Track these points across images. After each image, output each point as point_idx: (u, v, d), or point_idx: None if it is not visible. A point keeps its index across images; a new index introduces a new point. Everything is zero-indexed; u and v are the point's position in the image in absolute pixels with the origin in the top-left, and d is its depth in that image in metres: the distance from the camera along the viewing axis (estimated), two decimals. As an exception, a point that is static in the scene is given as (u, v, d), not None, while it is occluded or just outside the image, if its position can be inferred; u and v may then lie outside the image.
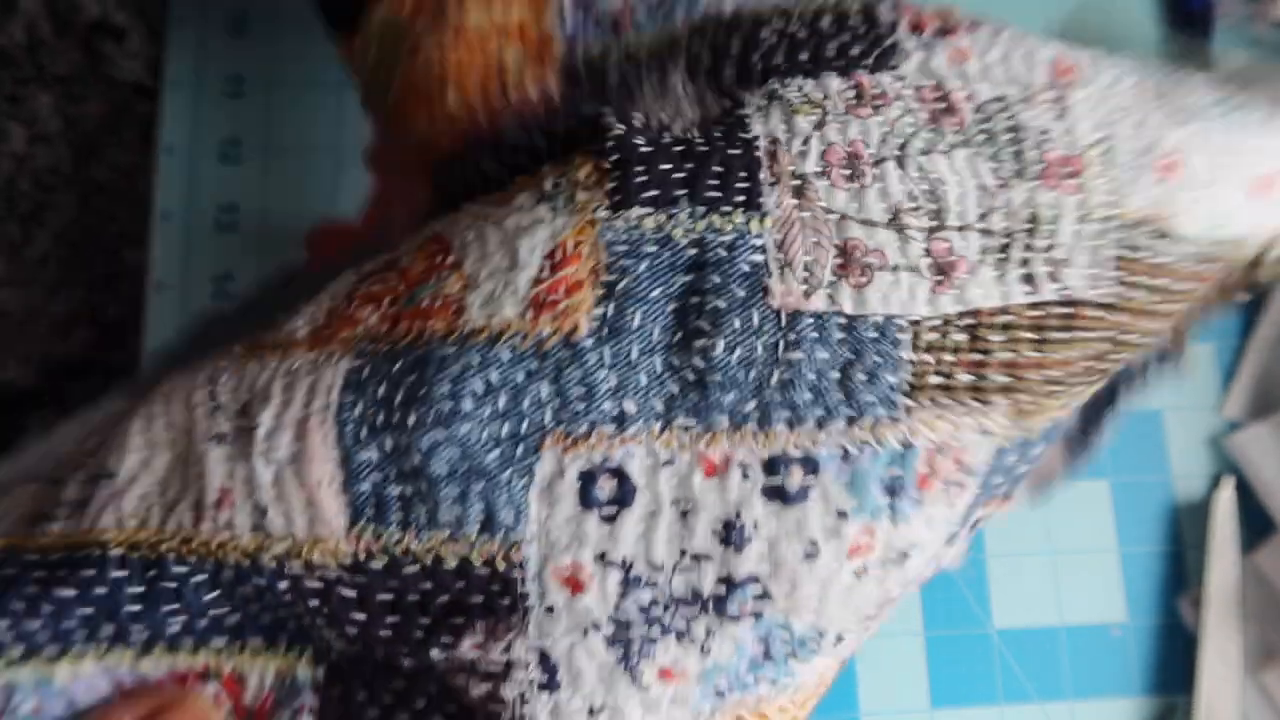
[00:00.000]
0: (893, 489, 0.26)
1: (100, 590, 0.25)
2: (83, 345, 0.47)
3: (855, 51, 0.28)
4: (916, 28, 0.28)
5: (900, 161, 0.26)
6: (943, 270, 0.26)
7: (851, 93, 0.27)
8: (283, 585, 0.25)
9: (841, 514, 0.25)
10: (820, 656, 0.27)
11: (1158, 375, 0.31)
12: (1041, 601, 0.43)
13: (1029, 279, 0.26)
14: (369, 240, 0.30)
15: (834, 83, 0.27)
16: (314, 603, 0.25)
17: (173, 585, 0.25)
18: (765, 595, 0.25)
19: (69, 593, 0.25)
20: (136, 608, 0.25)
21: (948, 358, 0.26)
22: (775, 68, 0.27)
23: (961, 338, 0.26)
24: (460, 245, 0.26)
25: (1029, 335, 0.26)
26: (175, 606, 0.25)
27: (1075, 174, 0.28)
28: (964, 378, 0.26)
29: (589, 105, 0.27)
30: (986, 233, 0.26)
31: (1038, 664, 0.43)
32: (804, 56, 0.27)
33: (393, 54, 0.29)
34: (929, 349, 0.26)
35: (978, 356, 0.26)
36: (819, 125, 0.26)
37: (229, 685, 0.26)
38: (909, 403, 0.26)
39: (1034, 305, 0.26)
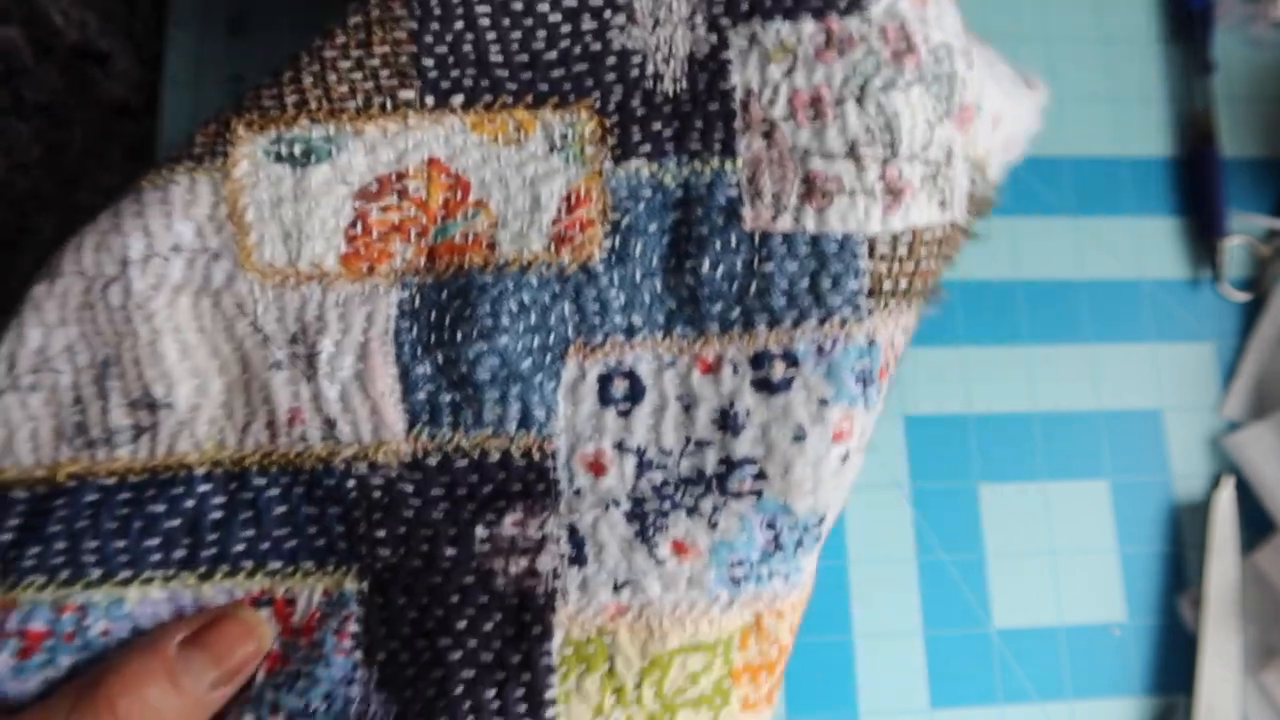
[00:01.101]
0: (864, 379, 0.30)
1: (189, 503, 0.29)
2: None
3: None
4: None
5: (860, 100, 0.31)
6: (894, 194, 0.31)
7: (821, 37, 0.31)
8: (350, 484, 0.29)
9: (823, 401, 0.30)
10: (818, 545, 0.31)
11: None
12: (1041, 601, 0.43)
13: (943, 204, 0.32)
14: None
15: (808, 26, 0.31)
16: (377, 495, 0.29)
17: (250, 497, 0.29)
18: (762, 475, 0.30)
19: (159, 508, 0.29)
20: (218, 515, 0.29)
21: (895, 267, 0.31)
22: (760, 2, 0.31)
23: (904, 251, 0.31)
24: (481, 186, 0.31)
25: (937, 249, 0.32)
26: (249, 516, 0.29)
27: (970, 120, 0.33)
28: (903, 284, 0.31)
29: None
30: (926, 163, 0.31)
31: (1038, 664, 0.43)
32: None
33: None
34: (882, 259, 0.31)
35: (912, 266, 0.31)
36: (789, 72, 0.31)
37: (279, 608, 0.29)
38: (870, 304, 0.31)
39: (943, 226, 0.32)
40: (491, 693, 0.28)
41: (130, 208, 0.30)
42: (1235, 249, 0.48)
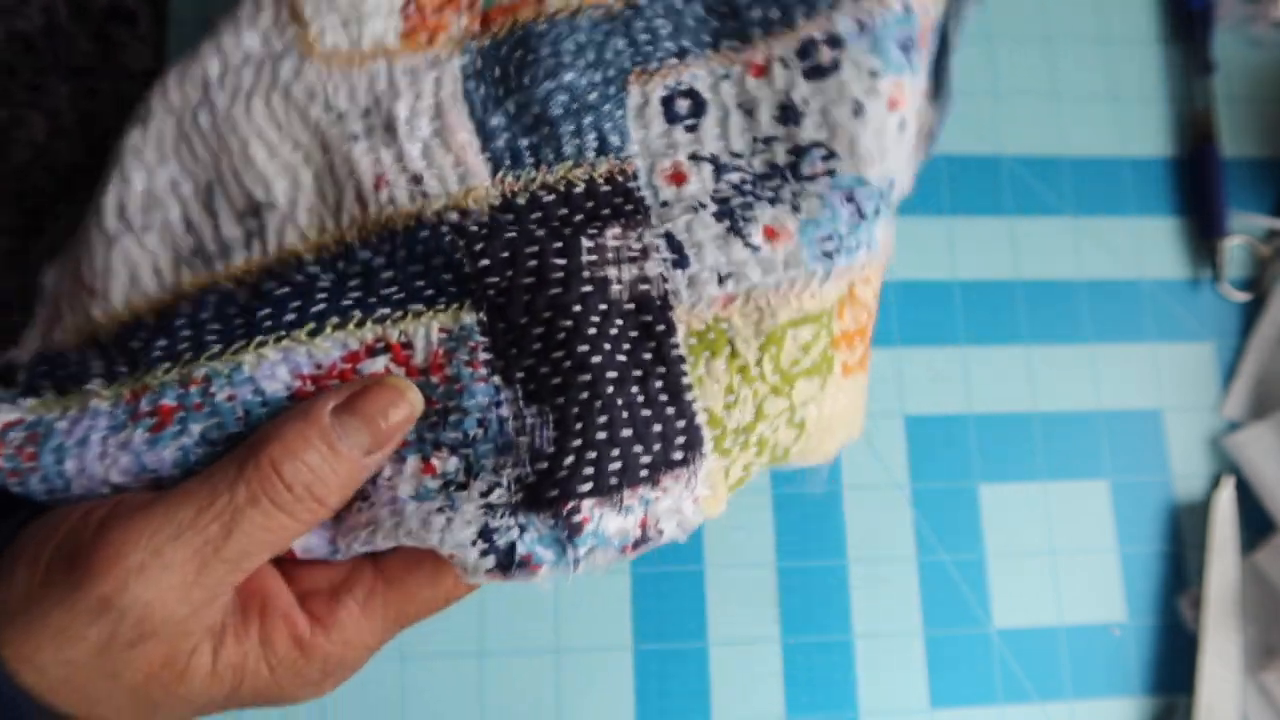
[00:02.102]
0: (906, 46, 0.32)
1: (300, 279, 0.31)
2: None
3: None
4: None
5: None
6: None
7: None
8: (444, 231, 0.30)
9: (873, 73, 0.31)
10: (892, 212, 0.33)
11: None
12: (1041, 601, 0.43)
13: None
14: None
15: None
16: (474, 230, 0.30)
17: (356, 269, 0.31)
18: (831, 155, 0.31)
19: (282, 290, 0.31)
20: (326, 286, 0.31)
21: None
22: None
23: None
24: None
25: None
26: (356, 282, 0.31)
27: None
28: None
29: None
30: None
31: (1038, 664, 0.43)
32: None
33: None
34: None
35: None
36: None
37: (396, 352, 0.30)
38: None
39: None
40: (636, 389, 0.29)
41: (206, 38, 0.33)
42: (1235, 249, 0.48)
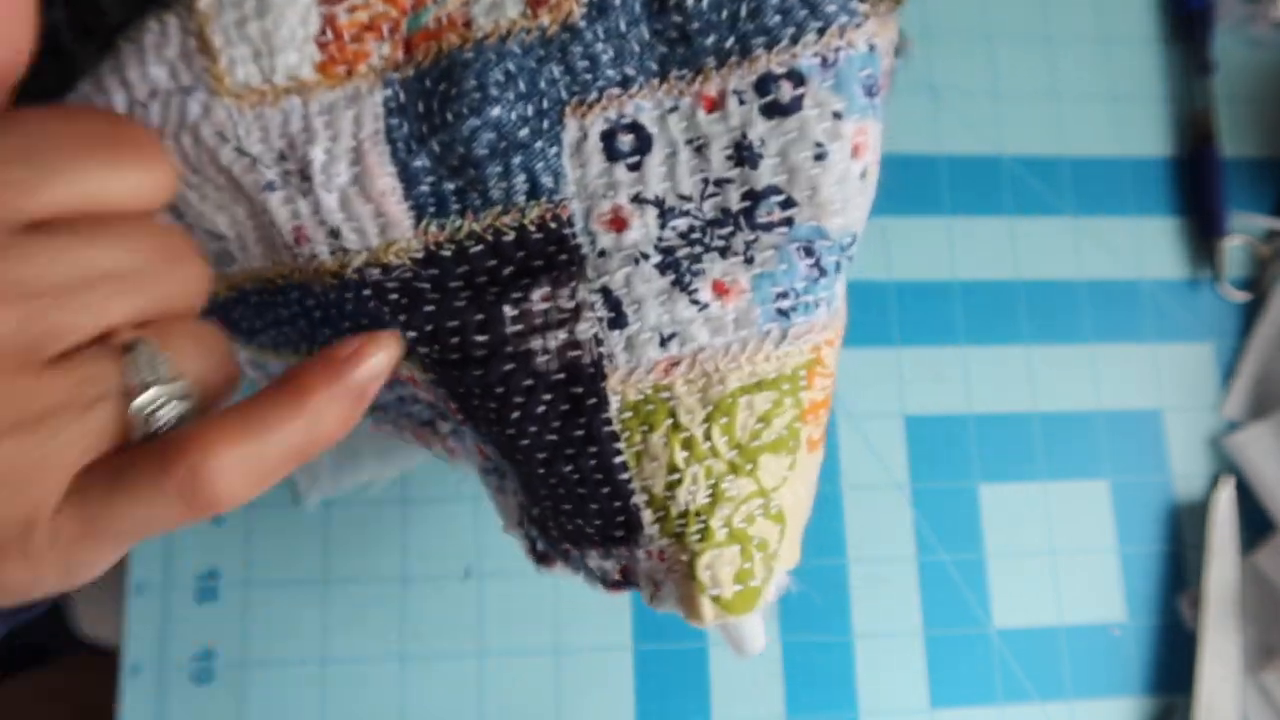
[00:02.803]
0: (870, 89, 0.29)
1: (280, 300, 0.30)
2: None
3: None
4: None
5: None
6: None
7: None
8: (366, 293, 0.28)
9: (837, 114, 0.28)
10: (849, 268, 0.30)
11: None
12: (1041, 601, 0.43)
13: None
14: None
15: None
16: (394, 297, 0.28)
17: (293, 312, 0.30)
18: (790, 203, 0.28)
19: (266, 302, 0.30)
20: (298, 314, 0.30)
21: None
22: None
23: None
24: None
25: None
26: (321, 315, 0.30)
27: None
28: None
29: None
30: None
31: (1038, 664, 0.43)
32: None
33: None
34: None
35: None
36: None
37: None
38: (864, 7, 0.29)
39: None
40: (569, 467, 0.28)
41: (108, 65, 0.30)
42: (1235, 249, 0.48)
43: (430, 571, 0.41)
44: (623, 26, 0.29)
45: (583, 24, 0.29)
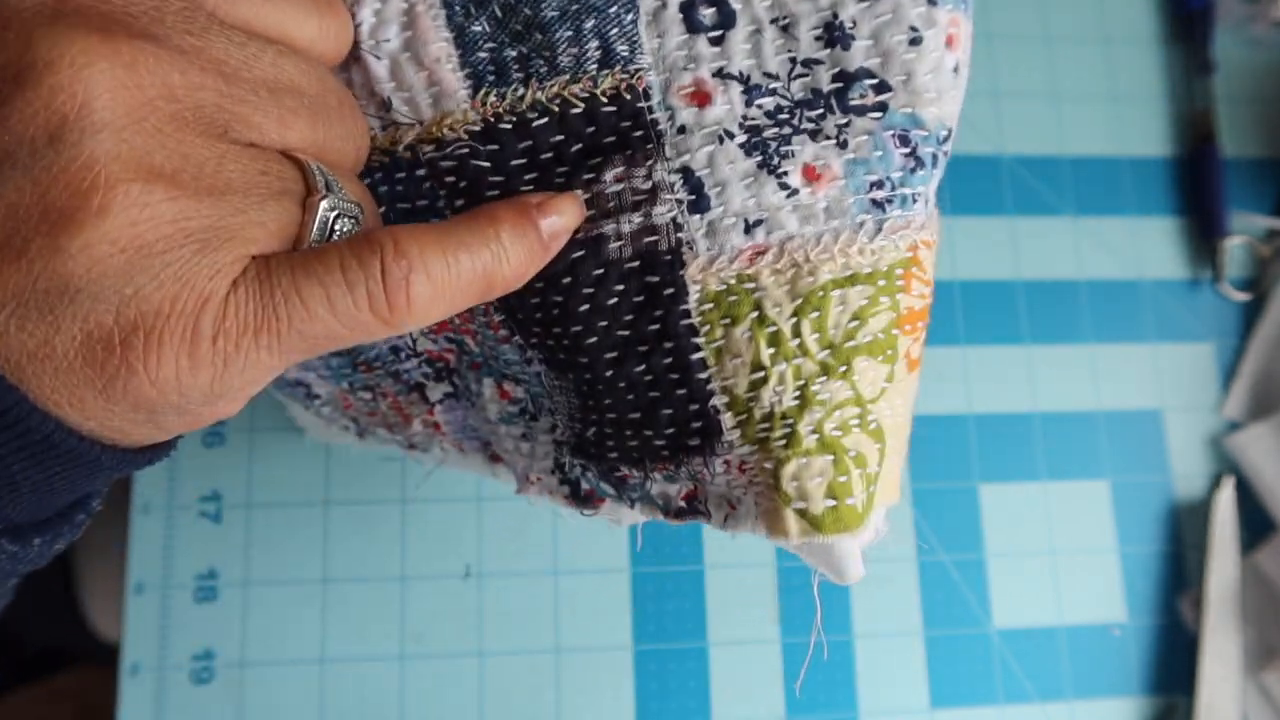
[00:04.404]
0: None
1: None
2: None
3: None
4: None
5: None
6: None
7: None
8: (421, 173, 0.26)
9: (931, 1, 0.26)
10: (944, 164, 0.28)
11: None
12: (1041, 601, 0.43)
13: None
14: None
15: None
16: (451, 179, 0.26)
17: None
18: (883, 87, 0.26)
19: None
20: None
21: None
22: None
23: None
24: None
25: None
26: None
27: None
28: None
29: None
30: None
31: (1038, 664, 0.43)
32: None
33: None
34: None
35: None
36: None
37: None
38: None
39: None
40: (640, 367, 0.26)
41: None
42: (1235, 249, 0.48)
43: (430, 571, 0.41)
44: None
45: None
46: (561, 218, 0.25)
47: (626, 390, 0.26)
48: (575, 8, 0.26)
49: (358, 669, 0.39)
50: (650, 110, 0.26)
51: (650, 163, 0.26)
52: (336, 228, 0.22)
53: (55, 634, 0.59)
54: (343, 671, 0.39)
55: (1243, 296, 0.47)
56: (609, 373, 0.26)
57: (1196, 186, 0.48)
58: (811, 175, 0.26)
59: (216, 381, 0.21)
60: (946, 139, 0.27)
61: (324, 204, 0.22)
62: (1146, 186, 0.48)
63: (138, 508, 0.40)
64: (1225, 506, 0.44)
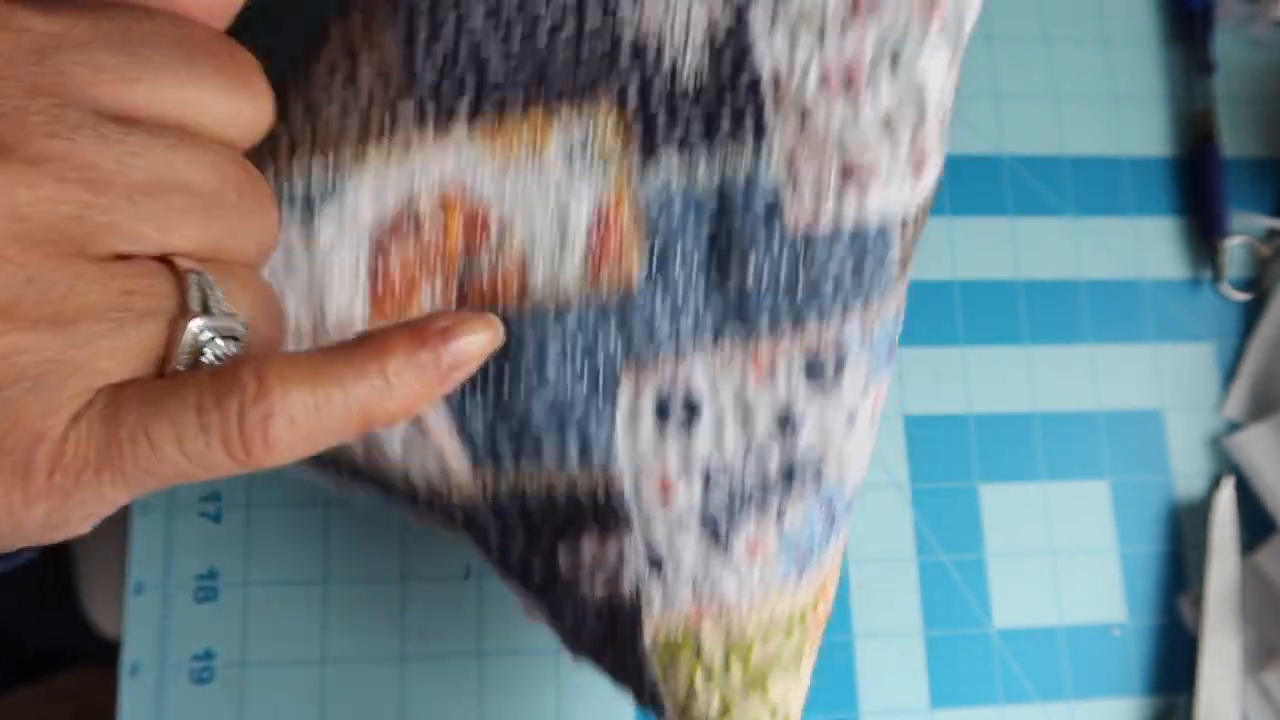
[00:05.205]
0: (890, 350, 0.31)
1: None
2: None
3: None
4: None
5: (893, 69, 0.29)
6: (919, 165, 0.30)
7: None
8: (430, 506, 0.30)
9: (868, 379, 0.30)
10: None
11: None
12: (1041, 601, 0.43)
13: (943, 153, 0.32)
14: None
15: None
16: (459, 516, 0.30)
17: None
18: (821, 464, 0.30)
19: None
20: None
21: (912, 234, 0.30)
22: None
23: (918, 215, 0.30)
24: (501, 213, 0.29)
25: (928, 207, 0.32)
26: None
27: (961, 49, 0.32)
28: (911, 251, 0.31)
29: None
30: (941, 121, 0.30)
31: (1038, 664, 0.43)
32: None
33: None
34: (905, 226, 0.30)
35: (915, 230, 0.31)
36: (819, 44, 0.29)
37: None
38: (900, 272, 0.30)
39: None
40: (607, 662, 0.30)
41: None
42: (1235, 249, 0.48)
43: (430, 571, 0.41)
44: (681, 288, 0.29)
45: (642, 285, 0.29)
46: (475, 339, 0.25)
47: (599, 665, 0.31)
48: (559, 409, 0.29)
49: (358, 669, 0.39)
50: (623, 500, 0.29)
51: (620, 539, 0.29)
52: (208, 351, 0.21)
53: (55, 634, 0.59)
54: (343, 671, 0.39)
55: (1243, 296, 0.47)
56: (585, 654, 0.31)
57: (1196, 186, 0.48)
58: (752, 549, 0.30)
59: (54, 514, 0.20)
60: (855, 496, 0.31)
61: (193, 325, 0.20)
62: (1146, 186, 0.48)
63: (137, 507, 0.40)
64: (1225, 506, 0.44)
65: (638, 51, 0.29)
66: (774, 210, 0.29)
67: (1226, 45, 0.50)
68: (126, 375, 0.20)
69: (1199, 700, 0.42)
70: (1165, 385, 0.46)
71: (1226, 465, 0.46)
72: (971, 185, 0.47)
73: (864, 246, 0.29)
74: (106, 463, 0.19)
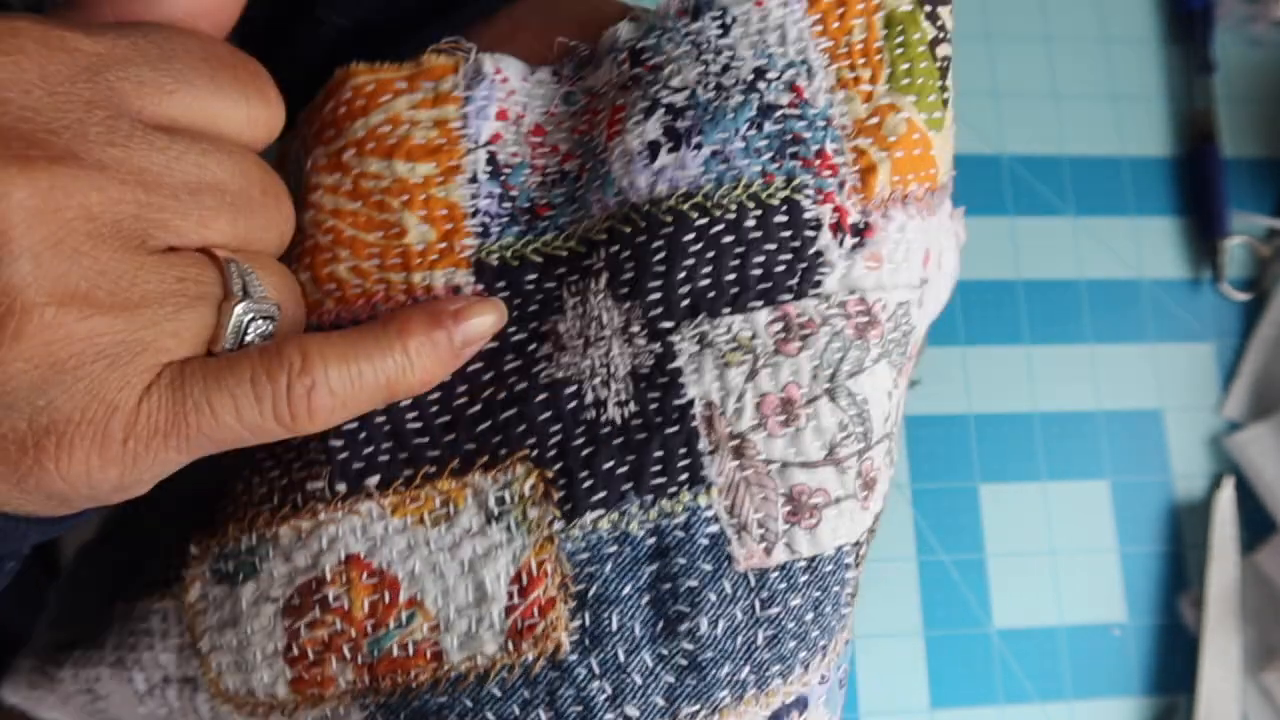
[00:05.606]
0: (842, 681, 0.29)
1: None
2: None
3: (780, 269, 0.27)
4: (837, 228, 0.28)
5: (832, 394, 0.27)
6: (868, 486, 0.28)
7: (779, 326, 0.27)
8: None
9: (829, 716, 0.29)
10: None
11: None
12: (1041, 601, 0.43)
13: (892, 466, 0.30)
14: None
15: (761, 316, 0.27)
16: None
17: None
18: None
19: None
20: None
21: (865, 549, 0.29)
22: (702, 297, 0.27)
23: (866, 536, 0.29)
24: (412, 581, 0.27)
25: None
26: None
27: (915, 355, 0.30)
28: (861, 572, 0.29)
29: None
30: (888, 437, 0.28)
31: (1038, 664, 0.43)
32: (730, 279, 0.27)
33: (297, 185, 0.29)
34: (858, 547, 0.28)
35: (864, 550, 0.29)
36: (751, 375, 0.27)
37: None
38: (849, 609, 0.28)
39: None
40: None
41: (127, 642, 0.30)
42: (1235, 249, 0.48)
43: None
44: (621, 656, 0.26)
45: (574, 657, 0.26)
46: (483, 319, 0.26)
47: None
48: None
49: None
50: None
51: None
52: (251, 330, 0.23)
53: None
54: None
55: (1243, 296, 0.47)
56: None
57: (1196, 186, 0.48)
58: None
59: (125, 476, 0.22)
60: None
61: (238, 309, 0.23)
62: (1146, 186, 0.48)
63: (137, 507, 0.40)
64: (1225, 506, 0.44)
65: (555, 395, 0.27)
66: (720, 543, 0.26)
67: (1226, 45, 0.50)
68: (185, 353, 0.23)
69: (1199, 700, 0.42)
70: (1165, 385, 0.46)
71: (1226, 465, 0.46)
72: (971, 185, 0.47)
73: (822, 579, 0.27)
74: (173, 429, 0.22)
